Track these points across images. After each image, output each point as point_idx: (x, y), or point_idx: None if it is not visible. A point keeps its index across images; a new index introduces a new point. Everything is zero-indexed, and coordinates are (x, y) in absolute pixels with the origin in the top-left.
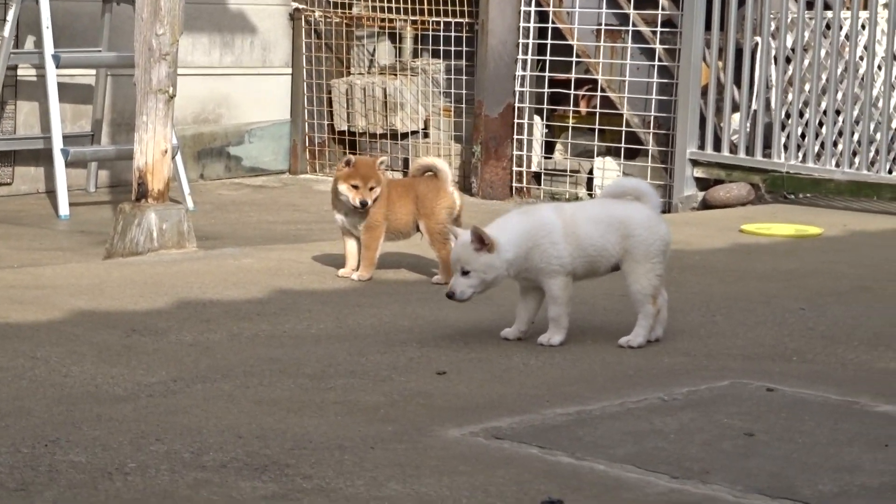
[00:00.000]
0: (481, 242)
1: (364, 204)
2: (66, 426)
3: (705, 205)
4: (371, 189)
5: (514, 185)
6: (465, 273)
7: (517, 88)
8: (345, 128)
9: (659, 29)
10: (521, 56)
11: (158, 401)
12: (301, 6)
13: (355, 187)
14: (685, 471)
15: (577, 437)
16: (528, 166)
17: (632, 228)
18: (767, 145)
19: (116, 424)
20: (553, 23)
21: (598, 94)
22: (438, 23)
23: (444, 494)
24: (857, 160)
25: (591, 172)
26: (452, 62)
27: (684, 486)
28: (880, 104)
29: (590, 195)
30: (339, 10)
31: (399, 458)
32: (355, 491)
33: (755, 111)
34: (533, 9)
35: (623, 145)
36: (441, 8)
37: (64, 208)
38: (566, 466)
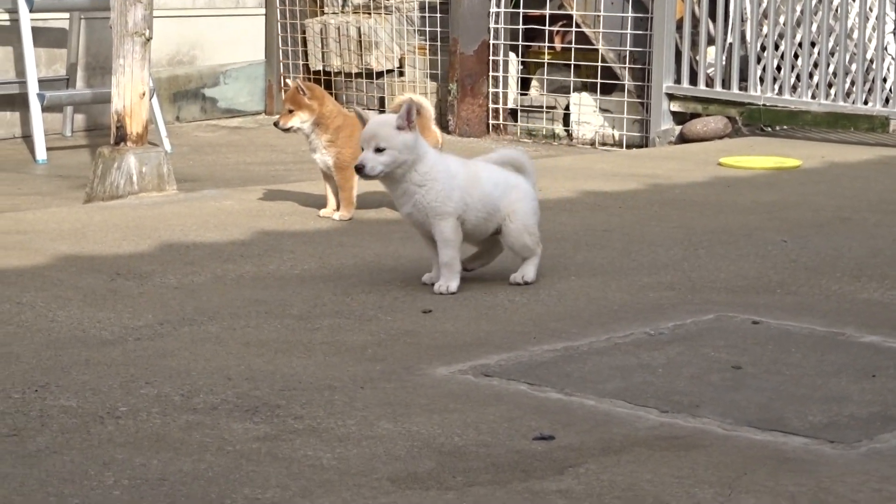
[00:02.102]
0: (409, 120)
1: (276, 124)
2: (56, 371)
3: (682, 139)
4: (290, 112)
5: (490, 122)
6: (379, 150)
7: (492, 25)
8: (320, 68)
9: None
10: None
11: (146, 344)
12: None
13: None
14: (674, 405)
15: (566, 374)
16: (505, 103)
17: (519, 196)
18: (743, 78)
19: (105, 368)
20: None
21: (573, 29)
22: None
23: (436, 433)
24: (832, 91)
25: (567, 108)
26: None
27: (674, 419)
28: (855, 35)
29: (567, 131)
30: None
31: (389, 397)
32: (347, 430)
33: (730, 44)
34: None
35: (599, 80)
36: None
37: (41, 153)
38: (556, 402)
